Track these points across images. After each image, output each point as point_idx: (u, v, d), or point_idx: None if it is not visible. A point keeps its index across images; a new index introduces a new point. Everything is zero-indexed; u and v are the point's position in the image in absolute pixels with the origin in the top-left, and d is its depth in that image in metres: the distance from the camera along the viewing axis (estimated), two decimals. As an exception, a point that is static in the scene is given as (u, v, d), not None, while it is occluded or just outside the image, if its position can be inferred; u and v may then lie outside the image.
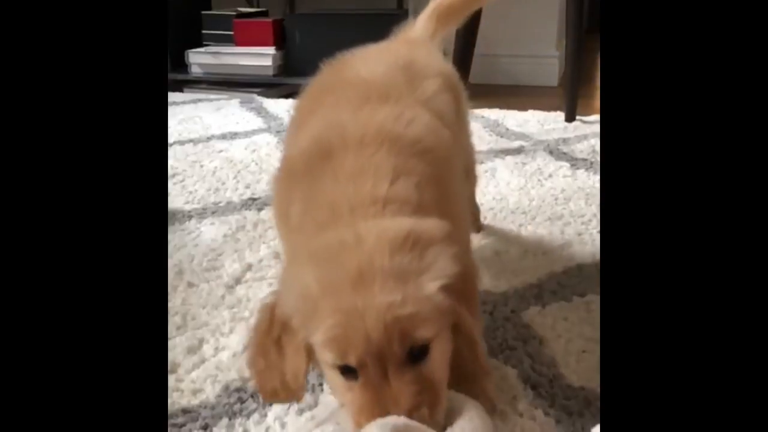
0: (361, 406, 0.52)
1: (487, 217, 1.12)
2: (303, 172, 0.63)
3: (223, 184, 1.33)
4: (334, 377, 0.54)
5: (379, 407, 0.50)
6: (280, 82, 2.45)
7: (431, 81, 0.74)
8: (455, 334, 0.55)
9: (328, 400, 0.63)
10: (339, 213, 0.57)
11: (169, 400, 0.67)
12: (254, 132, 1.75)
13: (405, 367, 0.51)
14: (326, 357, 0.52)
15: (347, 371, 0.52)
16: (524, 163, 1.43)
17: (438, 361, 0.53)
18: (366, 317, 0.49)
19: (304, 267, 0.55)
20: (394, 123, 0.63)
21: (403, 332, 0.50)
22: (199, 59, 2.52)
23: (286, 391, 0.56)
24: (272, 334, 0.55)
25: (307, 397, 0.66)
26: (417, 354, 0.51)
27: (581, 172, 1.36)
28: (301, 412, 0.65)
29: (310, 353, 0.54)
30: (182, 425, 0.63)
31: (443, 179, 0.64)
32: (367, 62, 0.76)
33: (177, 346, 0.75)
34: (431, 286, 0.52)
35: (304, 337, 0.53)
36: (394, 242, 0.52)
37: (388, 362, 0.51)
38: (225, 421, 0.64)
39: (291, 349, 0.54)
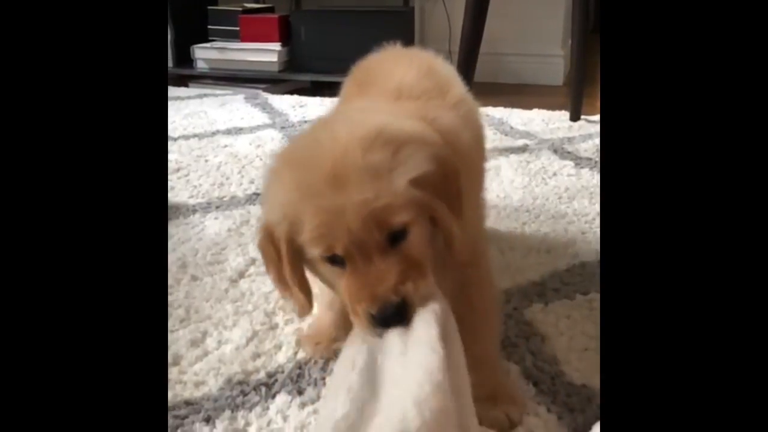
0: (352, 288, 0.56)
1: (490, 215, 1.13)
2: None
3: (228, 178, 1.33)
4: (325, 269, 0.58)
5: (368, 287, 0.55)
6: (285, 78, 2.46)
7: (457, 89, 0.77)
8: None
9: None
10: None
11: (172, 392, 0.67)
12: (259, 127, 1.75)
13: (387, 251, 0.55)
14: (314, 252, 0.56)
15: (336, 261, 0.56)
16: (528, 162, 1.43)
17: (417, 241, 0.56)
18: (345, 214, 0.54)
19: (284, 172, 0.59)
20: (423, 114, 0.65)
21: (380, 222, 0.54)
22: (204, 54, 2.52)
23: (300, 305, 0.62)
24: (276, 251, 0.59)
25: (310, 391, 0.67)
26: (396, 237, 0.55)
27: (585, 171, 1.36)
28: (303, 405, 0.65)
29: (298, 256, 0.58)
30: (185, 417, 0.63)
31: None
32: (397, 65, 0.78)
33: (180, 338, 0.76)
34: (401, 180, 0.55)
35: (291, 240, 0.57)
36: (365, 140, 0.55)
37: (371, 249, 0.55)
38: (227, 413, 0.64)
39: (285, 258, 0.59)
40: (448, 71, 0.82)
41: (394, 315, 0.54)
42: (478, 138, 0.80)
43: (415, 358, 0.50)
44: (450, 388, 0.48)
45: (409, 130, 0.58)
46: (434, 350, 0.50)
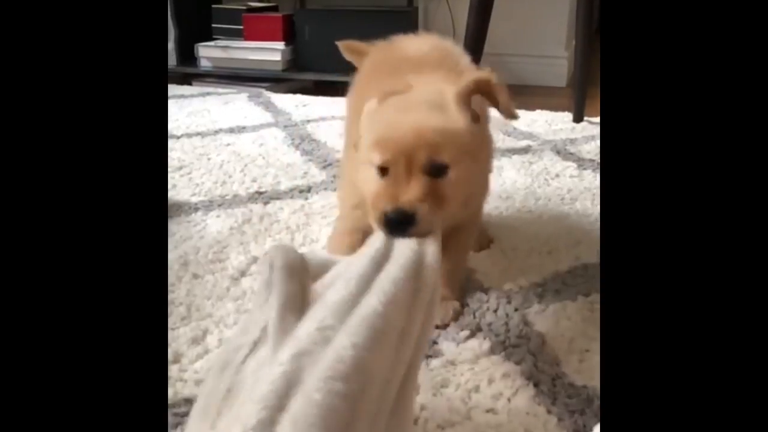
0: (380, 191, 0.64)
1: (492, 216, 1.12)
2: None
3: (230, 177, 1.33)
4: (369, 174, 0.66)
5: (392, 193, 0.62)
6: (288, 77, 2.46)
7: (464, 59, 0.88)
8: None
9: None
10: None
11: (172, 390, 0.67)
12: (262, 126, 1.75)
13: (424, 175, 0.63)
14: (372, 157, 0.65)
15: (382, 172, 0.65)
16: (531, 163, 1.43)
17: (452, 184, 0.65)
18: (402, 128, 0.64)
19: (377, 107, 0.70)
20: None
21: (427, 146, 0.63)
22: (208, 53, 2.52)
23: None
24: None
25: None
26: (437, 171, 0.64)
27: (588, 173, 1.36)
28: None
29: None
30: (185, 415, 0.63)
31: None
32: (412, 43, 0.90)
33: (181, 336, 0.76)
34: (459, 117, 0.66)
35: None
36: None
37: (411, 167, 0.63)
38: (227, 411, 0.64)
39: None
40: (452, 45, 0.92)
41: (400, 220, 0.60)
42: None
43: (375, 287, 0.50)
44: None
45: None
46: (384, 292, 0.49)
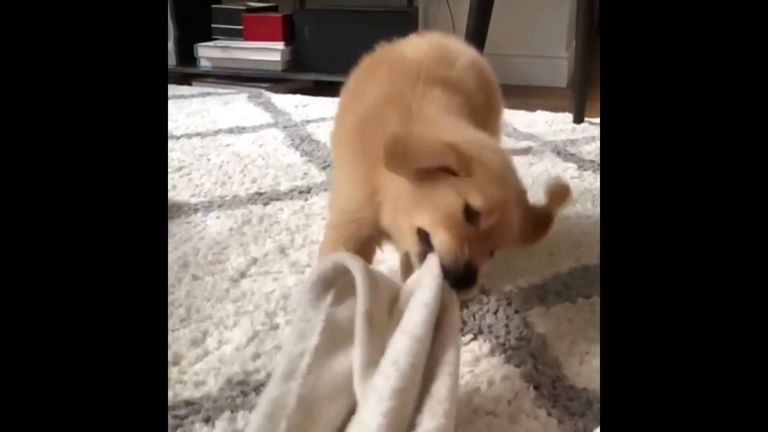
0: (461, 237, 0.62)
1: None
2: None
3: (230, 178, 1.33)
4: (450, 200, 0.64)
5: (465, 236, 0.62)
6: (288, 78, 2.46)
7: (463, 59, 0.87)
8: None
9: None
10: None
11: (172, 392, 0.67)
12: (261, 127, 1.75)
13: (485, 251, 0.65)
14: (472, 196, 0.63)
15: (469, 216, 0.63)
16: (531, 164, 1.43)
17: (505, 249, 0.68)
18: (510, 197, 0.67)
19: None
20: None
21: (518, 221, 0.68)
22: (208, 53, 2.52)
23: None
24: None
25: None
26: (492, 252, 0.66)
27: (588, 174, 1.36)
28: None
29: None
30: (184, 417, 0.63)
31: None
32: (409, 45, 0.90)
33: (181, 338, 0.75)
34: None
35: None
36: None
37: (496, 228, 0.64)
38: (227, 413, 0.64)
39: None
40: (453, 43, 0.94)
41: (468, 277, 0.61)
42: (489, 98, 0.92)
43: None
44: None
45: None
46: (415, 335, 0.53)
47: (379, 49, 0.93)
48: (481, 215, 0.63)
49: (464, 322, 0.77)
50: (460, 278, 0.60)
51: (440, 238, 0.62)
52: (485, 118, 0.89)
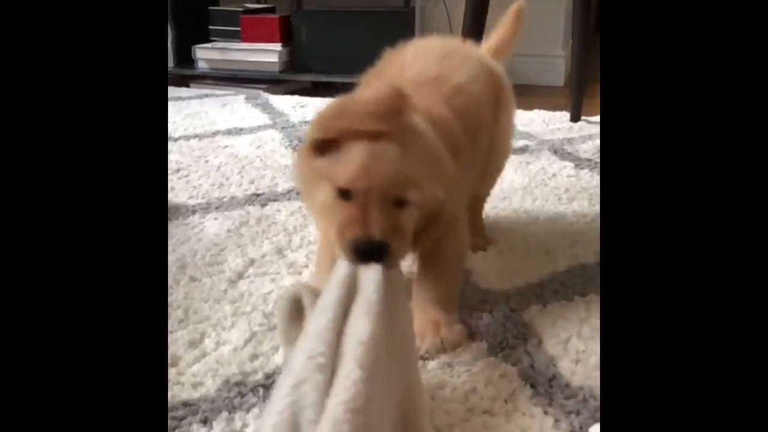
0: (348, 216, 0.64)
1: (490, 216, 1.13)
2: None
3: (228, 179, 1.33)
4: (326, 193, 0.66)
5: (362, 220, 0.63)
6: (286, 79, 2.46)
7: (463, 71, 0.85)
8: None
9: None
10: None
11: (170, 393, 0.67)
12: (259, 128, 1.75)
13: (388, 206, 0.64)
14: (336, 176, 0.65)
15: (344, 195, 0.65)
16: (528, 163, 1.43)
17: (410, 217, 0.66)
18: (380, 163, 0.64)
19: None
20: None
21: (399, 184, 0.64)
22: (205, 55, 2.52)
23: None
24: None
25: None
26: (400, 203, 0.65)
27: (585, 172, 1.36)
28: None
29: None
30: (182, 418, 0.63)
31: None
32: (417, 50, 0.88)
33: (178, 339, 0.76)
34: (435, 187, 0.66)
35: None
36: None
37: (379, 199, 0.64)
38: (225, 414, 0.64)
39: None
40: (471, 49, 0.94)
41: (374, 250, 0.61)
42: (496, 101, 0.91)
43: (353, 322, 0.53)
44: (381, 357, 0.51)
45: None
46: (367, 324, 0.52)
47: (382, 59, 0.90)
48: (351, 191, 0.64)
49: (463, 323, 0.77)
50: (363, 252, 0.61)
51: (333, 232, 0.65)
52: (494, 120, 0.90)
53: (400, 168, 0.64)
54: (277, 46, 2.45)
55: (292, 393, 0.46)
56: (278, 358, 0.73)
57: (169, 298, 0.85)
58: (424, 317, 0.75)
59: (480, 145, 0.86)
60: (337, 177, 0.65)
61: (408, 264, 0.95)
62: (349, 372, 0.47)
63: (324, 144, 0.66)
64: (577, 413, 0.63)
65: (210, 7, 2.62)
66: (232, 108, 2.00)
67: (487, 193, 1.06)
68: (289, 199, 1.21)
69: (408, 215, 0.66)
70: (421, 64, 0.83)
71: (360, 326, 0.52)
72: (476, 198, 0.99)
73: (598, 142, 1.57)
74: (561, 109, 1.90)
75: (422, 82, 0.80)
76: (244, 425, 0.63)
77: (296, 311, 0.61)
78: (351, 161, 0.64)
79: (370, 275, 0.59)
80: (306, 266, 0.94)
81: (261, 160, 1.46)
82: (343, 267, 0.61)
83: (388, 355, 0.52)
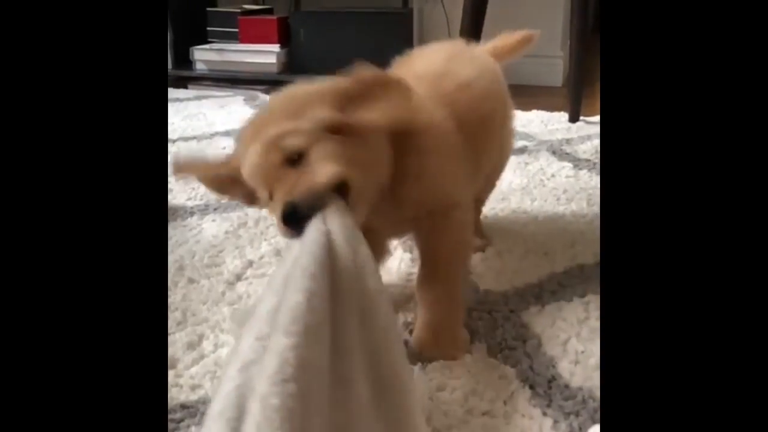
0: (269, 208, 0.65)
1: (488, 217, 1.12)
2: None
3: (226, 180, 1.33)
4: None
5: (273, 203, 0.63)
6: (284, 80, 2.45)
7: (462, 75, 0.84)
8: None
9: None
10: None
11: (168, 396, 0.67)
12: (258, 129, 1.75)
13: (287, 172, 0.63)
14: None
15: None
16: (527, 163, 1.43)
17: (316, 158, 0.63)
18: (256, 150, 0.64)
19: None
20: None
21: (275, 146, 0.64)
22: (203, 56, 2.52)
23: None
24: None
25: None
26: (294, 159, 0.63)
27: (584, 173, 1.36)
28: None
29: None
30: (180, 420, 0.63)
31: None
32: (422, 58, 0.88)
33: (177, 341, 0.76)
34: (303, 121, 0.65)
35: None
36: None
37: (275, 174, 0.63)
38: (223, 417, 0.64)
39: None
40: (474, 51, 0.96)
41: (293, 213, 0.60)
42: (497, 99, 0.91)
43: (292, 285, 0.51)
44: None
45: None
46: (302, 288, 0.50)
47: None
48: (257, 187, 0.66)
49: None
50: (289, 223, 0.60)
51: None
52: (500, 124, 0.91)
53: (269, 140, 0.64)
54: (275, 48, 2.45)
55: (239, 376, 0.44)
56: (277, 360, 0.73)
57: (168, 300, 0.85)
58: (424, 318, 0.74)
59: (481, 143, 0.85)
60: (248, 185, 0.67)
61: (408, 264, 0.95)
62: (275, 344, 0.44)
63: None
64: (577, 414, 0.63)
65: (208, 9, 2.63)
66: (231, 109, 2.00)
67: (487, 195, 1.06)
68: (287, 201, 1.20)
69: (312, 159, 0.63)
70: (426, 61, 0.85)
71: (288, 294, 0.49)
72: (476, 200, 0.99)
73: (596, 142, 1.57)
74: (559, 110, 1.90)
75: (424, 77, 0.80)
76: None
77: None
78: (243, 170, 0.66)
79: (303, 239, 0.57)
80: (304, 268, 0.94)
81: (259, 161, 1.46)
82: (294, 246, 0.59)
83: (336, 310, 0.50)
